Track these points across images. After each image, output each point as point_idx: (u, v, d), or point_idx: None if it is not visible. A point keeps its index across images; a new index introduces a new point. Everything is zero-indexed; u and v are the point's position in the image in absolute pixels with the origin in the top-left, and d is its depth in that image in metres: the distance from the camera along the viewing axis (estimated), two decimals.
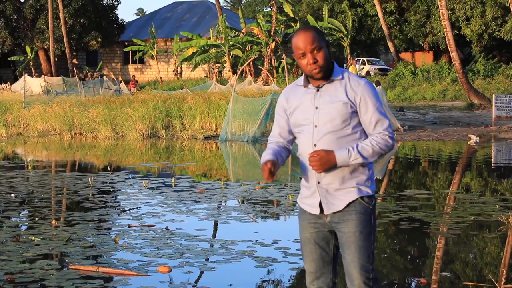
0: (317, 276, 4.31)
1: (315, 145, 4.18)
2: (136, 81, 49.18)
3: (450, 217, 9.97)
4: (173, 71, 53.86)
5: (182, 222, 9.63)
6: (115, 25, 59.89)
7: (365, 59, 51.96)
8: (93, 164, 17.98)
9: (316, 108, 4.20)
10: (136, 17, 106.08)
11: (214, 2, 53.79)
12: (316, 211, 4.24)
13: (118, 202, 11.68)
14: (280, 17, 47.64)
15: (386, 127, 4.20)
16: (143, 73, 60.57)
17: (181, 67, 54.23)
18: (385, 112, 4.29)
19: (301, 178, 4.36)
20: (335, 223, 4.22)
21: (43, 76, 46.01)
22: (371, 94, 4.20)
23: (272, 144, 4.40)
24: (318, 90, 4.22)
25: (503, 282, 6.42)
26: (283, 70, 41.07)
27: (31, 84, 41.52)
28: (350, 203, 4.19)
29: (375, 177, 13.21)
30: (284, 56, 32.22)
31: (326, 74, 4.20)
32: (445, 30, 34.05)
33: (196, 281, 6.81)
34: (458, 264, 7.60)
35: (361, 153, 4.13)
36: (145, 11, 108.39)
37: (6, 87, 44.33)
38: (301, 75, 4.43)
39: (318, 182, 4.20)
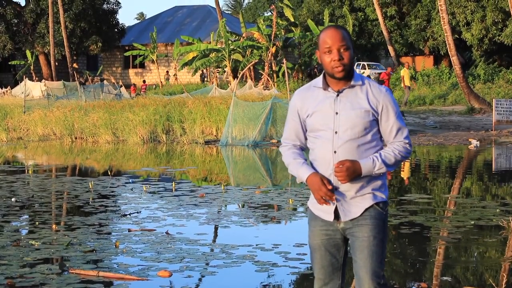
0: (326, 283, 4.27)
1: (335, 152, 4.10)
2: (146, 85, 49.74)
3: (450, 221, 9.96)
4: (173, 75, 54.02)
5: (182, 227, 9.62)
6: (116, 30, 59.98)
7: (365, 63, 51.98)
8: (93, 168, 17.97)
9: (337, 113, 4.12)
10: (136, 21, 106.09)
11: (215, 6, 53.84)
12: (331, 218, 4.17)
13: (118, 206, 11.67)
14: (280, 22, 47.66)
15: (406, 135, 4.19)
16: (143, 78, 60.62)
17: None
18: (404, 120, 4.26)
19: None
20: (348, 228, 4.18)
21: (43, 80, 46.07)
22: (392, 103, 4.17)
23: (290, 149, 4.29)
24: (338, 95, 4.14)
25: (503, 286, 6.41)
26: (283, 75, 41.05)
27: (32, 88, 41.56)
28: (365, 209, 4.16)
29: None
30: (284, 61, 32.19)
31: (348, 76, 4.13)
32: (445, 34, 34.04)
33: (197, 286, 6.81)
34: (458, 268, 7.60)
35: (385, 162, 4.10)
36: (145, 16, 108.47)
37: (6, 91, 44.37)
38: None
39: (336, 189, 4.14)
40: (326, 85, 4.18)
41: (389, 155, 4.13)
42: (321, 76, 4.23)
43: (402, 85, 35.67)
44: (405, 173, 16.44)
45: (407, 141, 4.18)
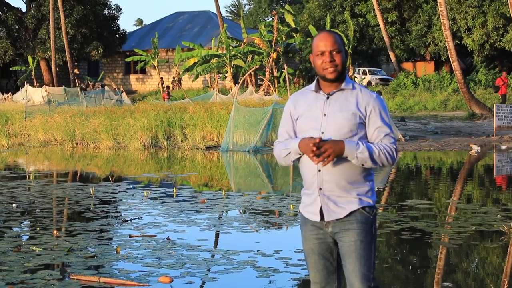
0: (322, 286, 4.33)
1: None
2: (168, 91, 48.80)
3: (451, 227, 9.96)
4: (175, 80, 53.99)
5: (183, 232, 9.62)
6: (117, 35, 59.98)
7: (366, 69, 52.01)
8: (94, 174, 17.98)
9: (325, 115, 4.19)
10: (135, 27, 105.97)
11: (216, 12, 53.89)
12: (317, 218, 4.23)
13: (119, 212, 11.67)
14: (281, 27, 47.71)
15: (393, 141, 4.22)
16: (144, 83, 60.64)
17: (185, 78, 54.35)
18: (393, 128, 4.29)
19: (302, 187, 4.36)
20: (336, 233, 4.23)
21: (44, 86, 46.08)
22: (382, 108, 4.22)
23: (280, 142, 4.34)
24: (328, 98, 4.22)
25: None
26: (284, 80, 41.10)
27: (33, 94, 41.57)
28: (351, 212, 4.20)
29: (376, 188, 13.19)
30: (285, 66, 32.23)
31: (339, 78, 4.20)
32: (446, 40, 34.08)
33: None
34: (459, 274, 7.60)
35: (369, 149, 4.11)
36: (143, 22, 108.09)
37: (7, 97, 44.38)
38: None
39: (320, 189, 4.19)
40: (318, 88, 4.27)
41: (373, 146, 4.15)
42: (316, 80, 4.31)
43: None
44: (406, 179, 16.44)
45: (394, 146, 4.21)
